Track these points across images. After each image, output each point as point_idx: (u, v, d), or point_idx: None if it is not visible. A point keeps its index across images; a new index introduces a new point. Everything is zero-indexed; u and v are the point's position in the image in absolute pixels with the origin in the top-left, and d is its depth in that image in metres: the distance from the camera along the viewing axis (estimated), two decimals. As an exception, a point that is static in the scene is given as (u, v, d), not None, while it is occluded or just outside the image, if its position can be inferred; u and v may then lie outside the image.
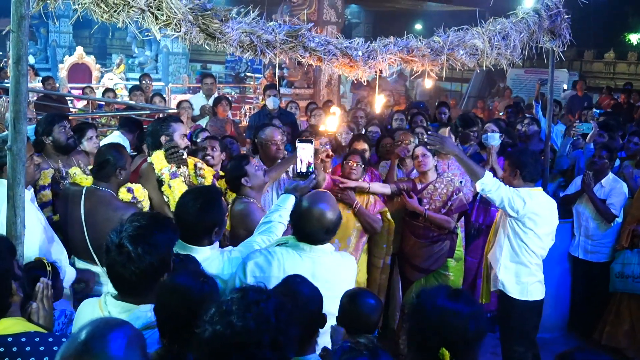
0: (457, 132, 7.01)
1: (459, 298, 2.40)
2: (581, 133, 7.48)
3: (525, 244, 5.02)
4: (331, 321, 3.03)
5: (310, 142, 4.07)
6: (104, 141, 5.94)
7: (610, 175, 6.44)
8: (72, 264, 4.21)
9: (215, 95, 9.78)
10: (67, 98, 13.17)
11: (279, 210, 3.81)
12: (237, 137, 7.93)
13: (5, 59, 16.34)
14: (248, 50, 3.96)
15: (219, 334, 1.99)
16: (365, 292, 3.22)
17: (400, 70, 17.56)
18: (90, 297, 2.95)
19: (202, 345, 2.02)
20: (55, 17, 3.49)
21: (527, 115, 9.85)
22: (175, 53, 24.65)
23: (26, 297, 2.70)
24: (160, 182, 4.77)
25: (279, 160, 5.23)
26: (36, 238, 3.81)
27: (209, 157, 5.57)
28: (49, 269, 3.31)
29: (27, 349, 2.37)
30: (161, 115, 8.66)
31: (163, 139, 4.93)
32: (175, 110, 9.00)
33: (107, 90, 11.92)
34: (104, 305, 2.64)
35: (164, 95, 10.90)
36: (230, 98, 10.43)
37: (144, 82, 10.87)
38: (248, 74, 20.94)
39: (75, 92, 15.00)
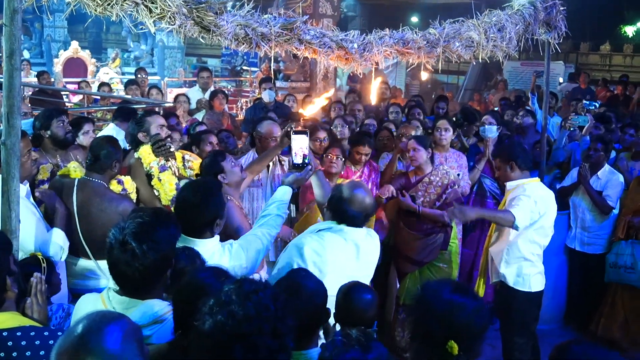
0: (455, 124, 6.99)
1: (465, 292, 2.41)
2: (577, 125, 7.47)
3: (530, 238, 5.05)
4: None
5: (305, 133, 4.06)
6: (100, 135, 5.92)
7: (607, 167, 6.44)
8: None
9: (212, 89, 9.76)
10: (63, 93, 13.13)
11: (277, 203, 3.81)
12: (233, 130, 7.91)
13: (0, 55, 16.26)
14: (243, 43, 3.95)
15: (220, 324, 1.98)
16: (360, 286, 3.21)
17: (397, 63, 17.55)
18: (88, 293, 2.95)
19: (202, 337, 2.01)
20: (49, 12, 3.47)
21: (526, 108, 9.85)
22: (171, 47, 24.59)
23: (21, 292, 2.69)
24: (149, 177, 4.75)
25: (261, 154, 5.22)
26: (31, 232, 3.82)
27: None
28: (43, 265, 3.30)
29: (23, 343, 2.36)
30: (157, 109, 8.67)
31: (141, 136, 4.92)
32: (171, 104, 8.99)
33: (102, 84, 11.89)
34: (108, 300, 2.63)
35: (161, 89, 10.87)
36: (226, 92, 10.41)
37: (139, 76, 10.85)
38: (244, 68, 20.88)
39: (71, 87, 14.94)
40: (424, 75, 17.12)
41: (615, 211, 6.32)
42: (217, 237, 3.46)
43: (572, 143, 7.49)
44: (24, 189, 3.83)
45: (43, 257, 3.37)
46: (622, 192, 6.38)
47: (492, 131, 6.38)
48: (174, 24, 3.61)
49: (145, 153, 4.80)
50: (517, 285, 5.05)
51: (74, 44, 20.53)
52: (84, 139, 5.47)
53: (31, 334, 2.39)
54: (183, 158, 4.97)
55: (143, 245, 2.52)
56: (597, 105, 8.91)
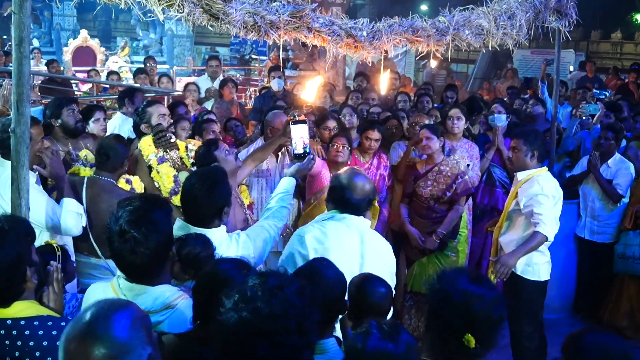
0: (470, 113, 6.95)
1: (482, 282, 2.38)
2: (588, 114, 7.43)
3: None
4: None
5: (304, 122, 4.02)
6: (109, 123, 5.93)
7: (617, 155, 6.41)
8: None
9: (220, 77, 9.75)
10: (72, 81, 13.16)
11: (281, 194, 3.80)
12: (242, 119, 7.91)
13: (10, 43, 16.30)
14: (252, 31, 3.94)
15: (246, 320, 1.94)
16: (374, 278, 3.14)
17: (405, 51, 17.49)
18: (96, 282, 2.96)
19: (226, 333, 1.98)
20: (58, 0, 3.47)
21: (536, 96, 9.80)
22: (180, 36, 24.59)
23: (39, 282, 2.70)
24: (150, 169, 4.76)
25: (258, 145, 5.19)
26: (42, 207, 3.85)
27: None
28: (58, 253, 3.32)
29: (40, 332, 2.37)
30: (167, 98, 8.68)
31: (143, 127, 4.93)
32: (180, 93, 8.99)
33: (110, 72, 11.90)
34: (118, 288, 2.63)
35: (171, 77, 10.87)
36: (235, 80, 10.39)
37: (148, 65, 10.86)
38: (253, 56, 20.85)
39: (80, 76, 14.97)
40: (434, 64, 17.07)
41: (625, 200, 6.29)
42: (224, 227, 3.46)
43: (582, 132, 7.46)
44: (33, 176, 3.85)
45: (58, 246, 3.38)
46: (633, 181, 6.35)
47: (501, 120, 6.35)
48: (183, 12, 3.61)
49: (145, 145, 4.78)
50: (526, 275, 5.04)
51: (83, 33, 20.57)
52: (94, 126, 5.47)
53: (48, 323, 2.41)
54: (186, 147, 4.96)
55: (142, 229, 2.51)
56: (608, 94, 8.85)
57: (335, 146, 5.41)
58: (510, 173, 6.42)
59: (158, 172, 4.69)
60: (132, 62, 20.51)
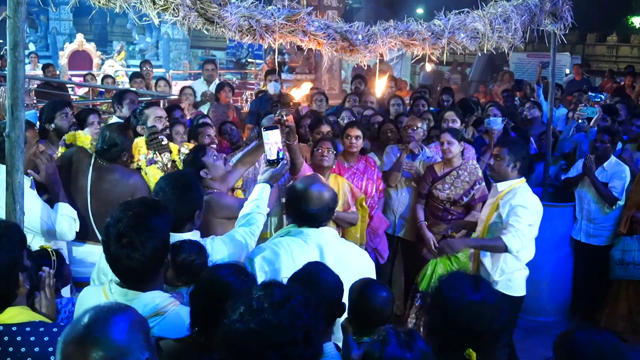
0: (464, 116, 6.96)
1: (482, 287, 2.38)
2: (586, 117, 7.45)
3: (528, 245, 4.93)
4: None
5: (276, 127, 3.97)
6: (112, 121, 5.93)
7: (613, 158, 6.42)
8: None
9: (217, 81, 9.74)
10: (68, 85, 13.15)
11: (256, 201, 3.74)
12: (238, 123, 7.90)
13: (5, 47, 16.30)
14: (247, 35, 3.94)
15: (254, 332, 1.95)
16: (375, 283, 3.11)
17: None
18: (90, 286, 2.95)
19: (233, 344, 1.98)
20: (53, 4, 3.46)
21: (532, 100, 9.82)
22: (176, 39, 24.57)
23: (32, 287, 2.69)
24: (139, 170, 4.76)
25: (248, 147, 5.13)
26: (36, 212, 3.85)
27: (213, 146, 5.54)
28: (53, 258, 3.30)
29: (32, 338, 2.36)
30: (162, 102, 8.66)
31: (139, 129, 4.93)
32: (176, 97, 8.98)
33: (105, 76, 11.89)
34: (109, 293, 2.62)
35: (168, 81, 10.86)
36: (232, 84, 10.39)
37: (144, 68, 10.84)
38: (249, 60, 20.86)
39: (76, 80, 14.96)
40: (429, 67, 17.08)
41: (621, 203, 6.30)
42: (197, 232, 3.42)
43: (579, 134, 7.47)
44: (28, 180, 3.84)
45: (53, 250, 3.36)
46: (628, 184, 6.35)
47: (497, 123, 6.36)
48: (178, 16, 3.60)
49: (137, 146, 4.79)
50: (506, 290, 4.89)
51: (79, 37, 20.57)
52: (88, 130, 5.47)
53: (40, 329, 2.39)
54: (179, 151, 4.95)
55: (140, 236, 2.50)
56: (603, 97, 8.86)
57: (320, 150, 5.27)
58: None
59: (146, 174, 4.68)
60: (128, 66, 20.51)
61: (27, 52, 18.14)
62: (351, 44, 4.42)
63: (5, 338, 2.34)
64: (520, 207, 4.70)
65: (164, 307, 2.56)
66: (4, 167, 3.23)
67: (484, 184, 5.72)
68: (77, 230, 4.12)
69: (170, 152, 4.86)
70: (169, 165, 4.78)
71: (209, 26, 3.79)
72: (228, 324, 2.01)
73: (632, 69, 15.21)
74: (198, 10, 3.66)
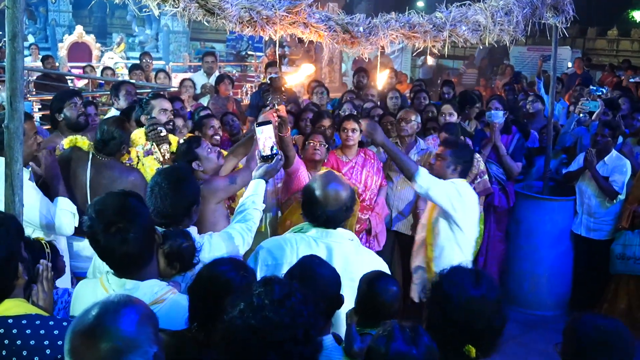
0: (461, 109, 6.95)
1: (483, 283, 2.36)
2: (588, 111, 7.43)
3: (459, 246, 4.70)
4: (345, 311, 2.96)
5: (269, 122, 3.95)
6: (109, 115, 5.92)
7: (614, 152, 6.40)
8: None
9: (216, 73, 9.72)
10: (67, 77, 13.11)
11: (252, 197, 3.72)
12: (238, 115, 7.88)
13: (4, 39, 16.27)
14: (247, 27, 3.91)
15: (255, 329, 1.95)
16: (385, 276, 3.08)
17: (403, 46, 17.44)
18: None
19: (233, 340, 1.98)
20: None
21: (530, 93, 9.80)
22: (175, 32, 24.52)
23: (29, 280, 2.67)
24: (138, 160, 4.75)
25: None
26: (36, 205, 3.83)
27: (216, 137, 5.53)
28: (47, 250, 3.28)
29: (28, 331, 2.35)
30: (162, 94, 8.64)
31: (143, 119, 4.94)
32: (176, 89, 8.96)
33: (105, 68, 11.86)
34: (107, 283, 2.60)
35: (168, 73, 10.83)
36: (231, 76, 10.36)
37: (144, 60, 10.81)
38: (249, 53, 20.82)
39: (76, 72, 14.92)
40: (430, 60, 17.03)
41: (622, 197, 6.29)
42: (195, 228, 3.41)
43: (579, 128, 7.46)
44: (27, 172, 3.82)
45: (47, 242, 3.35)
46: (629, 178, 6.34)
47: (498, 116, 6.34)
48: (178, 7, 3.58)
49: (135, 137, 4.78)
50: None
51: (79, 29, 20.52)
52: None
53: (36, 322, 2.38)
54: (179, 142, 4.94)
55: (127, 218, 2.49)
56: (605, 90, 8.85)
57: (311, 144, 5.25)
58: (506, 170, 6.43)
59: (143, 165, 4.68)
60: (127, 58, 20.46)
61: (27, 43, 18.15)
62: (352, 36, 4.40)
63: (1, 331, 2.33)
64: (455, 192, 4.57)
65: (163, 296, 2.56)
66: (2, 159, 3.22)
67: (485, 177, 5.70)
68: (77, 225, 4.11)
69: (170, 143, 4.85)
70: (166, 157, 4.76)
71: (209, 18, 3.76)
72: (228, 321, 2.01)
73: (628, 63, 15.16)
74: (198, 2, 3.64)
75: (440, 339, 2.24)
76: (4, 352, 2.30)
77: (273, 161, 3.85)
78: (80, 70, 13.31)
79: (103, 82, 10.74)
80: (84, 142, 4.56)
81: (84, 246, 4.35)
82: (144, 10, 3.65)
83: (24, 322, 2.37)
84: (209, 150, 4.27)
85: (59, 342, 2.29)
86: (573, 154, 7.13)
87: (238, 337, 1.97)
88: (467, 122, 7.23)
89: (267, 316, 1.96)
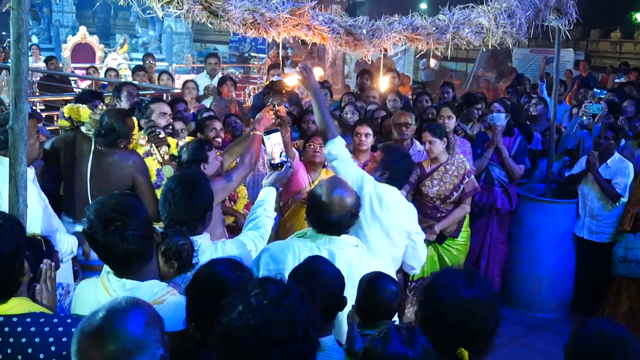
0: (459, 111, 6.95)
1: (475, 284, 2.36)
2: (591, 113, 7.43)
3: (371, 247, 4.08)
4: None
5: (277, 131, 3.95)
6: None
7: (617, 155, 6.40)
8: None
9: (219, 75, 9.74)
10: (71, 78, 13.13)
11: (263, 205, 3.73)
12: (241, 117, 7.89)
13: (9, 40, 16.30)
14: (251, 29, 3.93)
15: (255, 329, 1.97)
16: (385, 277, 3.09)
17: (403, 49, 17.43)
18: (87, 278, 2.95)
19: (233, 341, 1.99)
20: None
21: (532, 95, 9.79)
22: (179, 33, 24.58)
23: (32, 278, 2.69)
24: None
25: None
26: (38, 217, 3.82)
27: (218, 139, 5.54)
28: (44, 247, 3.28)
29: (32, 329, 2.36)
30: (165, 95, 8.66)
31: (142, 122, 4.95)
32: (179, 90, 8.97)
33: (108, 69, 11.89)
34: (108, 283, 2.61)
35: (171, 75, 10.85)
36: (234, 78, 10.38)
37: (147, 62, 10.83)
38: (252, 54, 20.87)
39: (79, 72, 14.95)
40: (433, 62, 17.01)
41: (624, 199, 6.28)
42: (207, 235, 3.40)
43: (582, 131, 7.45)
44: (31, 172, 3.83)
45: (42, 237, 3.34)
46: (632, 181, 6.33)
47: (500, 119, 6.34)
48: (182, 9, 3.59)
49: (136, 139, 4.80)
50: None
51: (82, 30, 20.56)
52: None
53: (40, 320, 2.39)
54: (177, 145, 4.96)
55: (127, 214, 2.50)
56: (605, 93, 8.84)
57: (312, 146, 5.26)
58: (508, 172, 6.43)
59: None
60: (131, 59, 20.50)
61: (29, 44, 18.16)
62: (355, 38, 4.41)
63: (6, 329, 2.34)
64: (368, 184, 4.13)
65: (162, 296, 2.56)
66: (6, 159, 3.23)
67: (473, 176, 5.70)
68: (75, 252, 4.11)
69: (169, 145, 4.86)
70: (165, 158, 4.78)
71: (213, 19, 3.77)
72: (227, 322, 2.02)
73: (627, 65, 15.09)
74: (202, 4, 3.65)
75: (433, 341, 2.24)
76: (9, 350, 2.31)
77: (283, 169, 3.86)
78: (84, 72, 13.34)
79: (106, 83, 10.75)
80: (84, 111, 4.58)
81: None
82: (147, 11, 3.66)
83: (28, 320, 2.38)
84: (215, 157, 4.33)
85: (64, 339, 2.31)
86: (576, 156, 7.13)
87: (238, 339, 1.98)
88: (471, 124, 7.23)
89: (267, 316, 1.98)
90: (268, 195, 3.77)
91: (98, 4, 3.61)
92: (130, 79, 10.88)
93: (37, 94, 10.41)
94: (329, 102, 8.39)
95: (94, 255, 3.33)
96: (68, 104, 4.77)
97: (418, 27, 4.75)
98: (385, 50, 4.84)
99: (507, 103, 7.37)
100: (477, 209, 6.54)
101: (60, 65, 15.11)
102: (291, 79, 4.77)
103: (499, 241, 6.66)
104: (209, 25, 3.87)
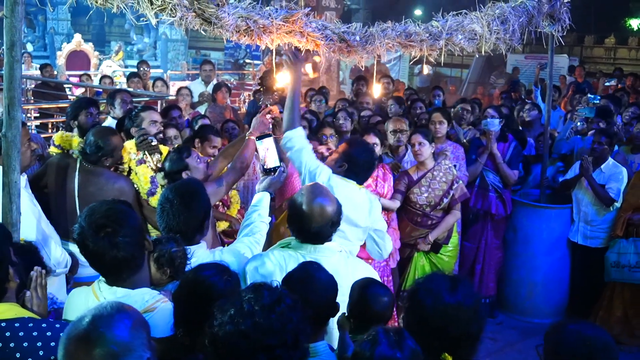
0: (449, 116, 6.94)
1: (459, 289, 2.36)
2: (584, 117, 7.46)
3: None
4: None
5: (269, 136, 3.92)
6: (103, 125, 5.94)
7: (610, 160, 6.42)
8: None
9: (214, 82, 9.74)
10: (65, 85, 13.12)
11: (258, 210, 3.71)
12: (239, 123, 7.89)
13: (2, 47, 16.28)
14: (244, 36, 3.93)
15: (245, 334, 1.98)
16: (376, 285, 3.08)
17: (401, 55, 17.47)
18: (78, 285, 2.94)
19: (222, 345, 2.00)
20: (51, 4, 3.46)
21: (527, 101, 9.82)
22: (174, 40, 24.60)
23: (21, 284, 2.69)
24: (129, 171, 4.75)
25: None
26: (32, 224, 3.82)
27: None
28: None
29: (20, 334, 2.36)
30: (160, 102, 8.66)
31: (133, 130, 4.94)
32: (173, 97, 8.98)
33: (103, 77, 11.90)
34: (99, 291, 2.61)
35: (166, 82, 10.85)
36: (229, 85, 10.39)
37: (141, 69, 10.83)
38: (247, 61, 20.91)
39: (74, 80, 14.95)
40: (426, 69, 17.04)
41: (618, 205, 6.30)
42: (204, 243, 3.38)
43: (575, 137, 7.48)
44: (23, 180, 3.83)
45: (27, 242, 3.31)
46: (625, 187, 6.35)
47: (494, 124, 6.36)
48: (175, 16, 3.59)
49: (127, 147, 4.77)
50: None
51: (77, 37, 20.59)
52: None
53: (29, 325, 2.39)
54: (169, 152, 4.94)
55: (117, 221, 2.49)
56: (599, 99, 8.88)
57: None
58: (503, 178, 6.45)
59: (136, 174, 4.68)
60: (126, 67, 20.55)
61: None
62: (349, 45, 4.41)
63: None
64: (321, 175, 4.07)
65: (153, 304, 2.55)
66: (-1, 167, 3.23)
67: (461, 182, 5.71)
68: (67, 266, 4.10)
69: (161, 153, 4.85)
70: (158, 166, 4.77)
71: (206, 27, 3.77)
72: (218, 326, 2.03)
73: (620, 71, 15.13)
74: (195, 11, 3.65)
75: (418, 338, 2.26)
76: None
77: (276, 173, 3.84)
78: (78, 79, 13.34)
79: (101, 90, 10.75)
80: (74, 139, 4.57)
81: (74, 250, 4.36)
82: (141, 19, 3.66)
83: (16, 324, 2.38)
84: (198, 160, 4.27)
85: (52, 344, 2.31)
86: (570, 161, 7.15)
87: (228, 342, 1.99)
88: (466, 130, 7.22)
89: (258, 322, 1.99)
90: (262, 201, 3.75)
91: (92, 11, 3.59)
92: (125, 86, 10.88)
93: (32, 101, 10.39)
94: (325, 108, 8.41)
95: (87, 271, 3.34)
96: (59, 132, 4.77)
97: (411, 33, 4.75)
98: (379, 56, 4.84)
99: (501, 109, 7.40)
100: (472, 214, 6.56)
101: (55, 72, 15.11)
102: (282, 76, 4.74)
103: (493, 247, 6.67)
104: (202, 32, 3.87)
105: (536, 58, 17.38)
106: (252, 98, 10.57)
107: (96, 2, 3.39)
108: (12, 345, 2.33)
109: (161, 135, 5.12)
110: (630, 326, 6.13)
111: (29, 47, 22.95)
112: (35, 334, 2.37)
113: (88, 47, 20.48)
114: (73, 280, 4.14)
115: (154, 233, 4.31)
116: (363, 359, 2.18)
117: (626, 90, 11.51)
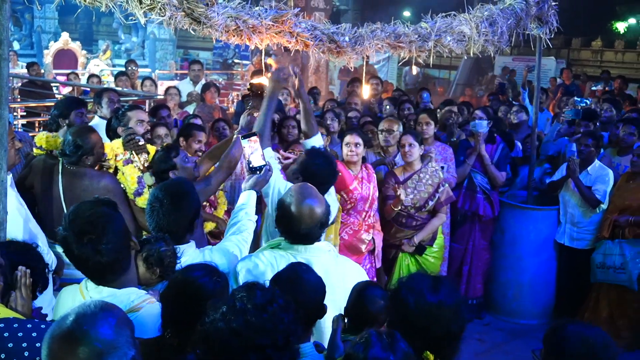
0: (437, 117, 6.96)
1: (441, 289, 2.38)
2: (570, 118, 7.50)
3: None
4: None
5: (254, 134, 3.92)
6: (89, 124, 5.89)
7: (597, 162, 6.45)
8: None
9: (203, 81, 9.72)
10: (52, 84, 13.05)
11: (245, 208, 3.69)
12: (230, 123, 7.87)
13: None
14: (234, 35, 3.92)
15: (237, 333, 1.97)
16: (375, 288, 3.09)
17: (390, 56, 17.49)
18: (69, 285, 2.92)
19: (213, 343, 2.00)
20: (38, 2, 3.44)
21: (515, 103, 9.86)
22: (162, 39, 24.50)
23: (7, 285, 2.67)
24: (116, 170, 4.72)
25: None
26: (19, 224, 3.79)
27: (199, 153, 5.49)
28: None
29: (5, 334, 2.34)
30: (148, 102, 8.63)
31: (119, 130, 4.90)
32: (162, 97, 8.94)
33: (91, 75, 11.84)
34: (86, 291, 2.60)
35: (154, 81, 10.81)
36: (218, 84, 10.37)
37: (129, 68, 10.79)
38: (236, 61, 20.86)
39: (61, 79, 14.86)
40: (415, 70, 17.07)
41: (604, 206, 6.33)
42: (193, 243, 3.38)
43: (562, 138, 7.52)
44: (8, 178, 3.80)
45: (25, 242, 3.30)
46: (611, 188, 6.38)
47: (482, 126, 6.38)
48: (164, 15, 3.58)
49: (114, 147, 4.74)
50: None
51: (65, 36, 20.46)
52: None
53: (14, 325, 2.37)
54: (157, 151, 4.91)
55: (99, 226, 2.47)
56: (588, 102, 8.93)
57: (292, 153, 5.26)
58: (491, 179, 6.47)
59: (123, 174, 4.65)
60: (113, 66, 20.44)
61: (9, 50, 18.02)
62: (338, 45, 4.42)
63: None
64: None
65: (139, 304, 2.54)
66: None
67: (447, 185, 5.72)
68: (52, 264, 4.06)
69: (148, 153, 4.82)
70: (145, 166, 4.74)
71: (195, 26, 3.77)
72: (209, 323, 2.03)
73: (607, 74, 15.22)
74: (185, 10, 3.65)
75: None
76: None
77: (262, 172, 3.84)
78: (65, 78, 13.27)
79: (88, 89, 10.70)
80: (55, 140, 4.52)
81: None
82: (130, 18, 3.65)
83: (1, 325, 2.36)
84: (186, 159, 4.26)
85: (37, 345, 2.29)
86: (557, 163, 7.18)
87: (218, 340, 1.99)
88: (457, 134, 7.23)
89: (249, 320, 1.99)
90: (249, 199, 3.74)
91: (80, 10, 3.57)
92: (113, 85, 10.84)
93: (18, 100, 10.33)
94: (314, 108, 8.39)
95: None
96: (41, 133, 4.70)
97: (400, 34, 4.77)
98: (368, 57, 4.85)
99: (489, 111, 7.43)
100: (460, 215, 6.59)
101: (42, 71, 15.02)
102: (262, 79, 4.73)
103: (481, 248, 6.69)
104: (191, 32, 3.86)
105: (524, 60, 17.46)
106: (240, 98, 10.56)
107: (84, 0, 3.38)
108: None
109: (149, 135, 5.09)
110: (616, 327, 6.16)
111: (16, 46, 22.81)
112: (20, 334, 2.35)
113: (75, 46, 20.36)
114: (59, 281, 4.11)
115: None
116: None
117: (614, 93, 11.59)
